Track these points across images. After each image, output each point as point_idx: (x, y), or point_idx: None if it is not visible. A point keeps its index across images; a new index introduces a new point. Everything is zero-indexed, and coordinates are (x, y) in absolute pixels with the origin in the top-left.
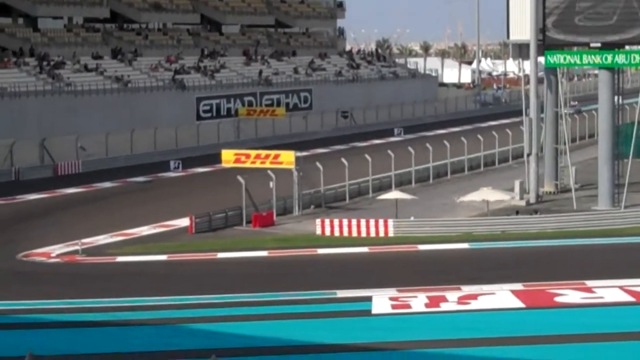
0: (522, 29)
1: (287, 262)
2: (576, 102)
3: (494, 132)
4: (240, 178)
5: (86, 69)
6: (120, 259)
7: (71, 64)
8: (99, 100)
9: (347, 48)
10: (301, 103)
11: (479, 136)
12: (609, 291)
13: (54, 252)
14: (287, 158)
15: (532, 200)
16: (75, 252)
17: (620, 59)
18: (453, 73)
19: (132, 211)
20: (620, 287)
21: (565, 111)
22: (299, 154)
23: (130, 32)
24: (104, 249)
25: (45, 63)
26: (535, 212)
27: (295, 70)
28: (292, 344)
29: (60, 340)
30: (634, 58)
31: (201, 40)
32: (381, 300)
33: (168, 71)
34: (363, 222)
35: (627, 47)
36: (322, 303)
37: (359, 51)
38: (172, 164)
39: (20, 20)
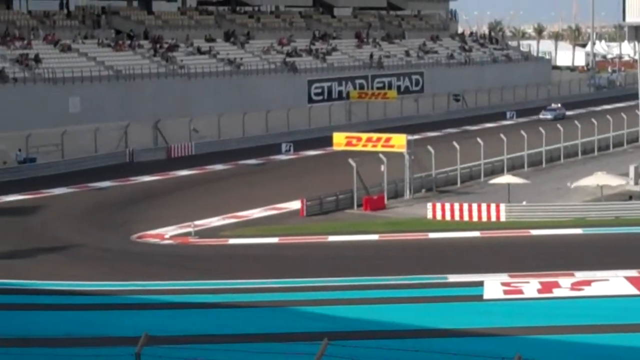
0: (638, 10)
1: (398, 246)
2: None
3: (608, 116)
4: (351, 161)
5: (199, 51)
6: (232, 241)
7: (184, 46)
8: (211, 82)
9: (459, 30)
10: (412, 86)
11: (593, 120)
12: None
13: (168, 233)
14: (399, 141)
15: None
16: (188, 233)
17: None
18: (567, 56)
19: (243, 193)
20: None
21: None
22: (411, 137)
23: (243, 15)
24: (216, 231)
25: (159, 46)
26: None
27: (407, 53)
28: (403, 328)
29: (174, 321)
30: None
31: (313, 22)
32: (493, 285)
33: (280, 54)
34: (475, 206)
35: None
36: (433, 287)
37: (471, 34)
38: (283, 147)
39: (135, 4)
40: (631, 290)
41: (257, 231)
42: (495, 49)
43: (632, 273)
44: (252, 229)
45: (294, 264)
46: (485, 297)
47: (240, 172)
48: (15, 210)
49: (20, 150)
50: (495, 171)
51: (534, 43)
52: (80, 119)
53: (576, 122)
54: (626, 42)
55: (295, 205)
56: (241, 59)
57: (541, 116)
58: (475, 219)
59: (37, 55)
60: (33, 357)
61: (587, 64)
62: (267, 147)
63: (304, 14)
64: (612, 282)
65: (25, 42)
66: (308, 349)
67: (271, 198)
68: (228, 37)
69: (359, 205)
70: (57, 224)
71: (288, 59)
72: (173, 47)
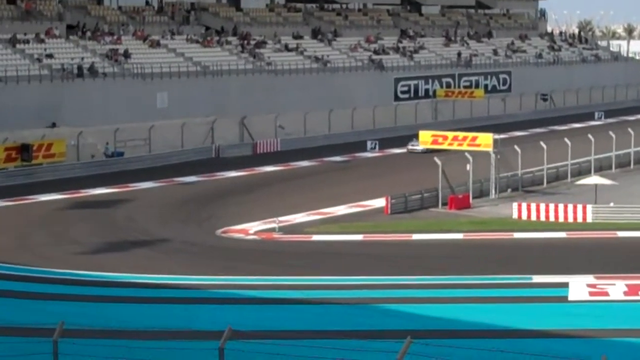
0: None
1: (482, 246)
2: None
3: None
4: (437, 159)
5: (286, 48)
6: (316, 237)
7: (272, 43)
8: (298, 79)
9: (548, 30)
10: (500, 85)
11: None
12: None
13: (252, 229)
14: (485, 140)
15: None
16: (273, 229)
17: None
18: None
19: (328, 190)
20: None
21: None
22: (497, 136)
23: (331, 13)
24: (301, 227)
25: (246, 42)
26: None
27: (495, 52)
28: (487, 328)
29: (258, 316)
30: None
31: (401, 20)
32: (578, 287)
33: (367, 51)
34: (561, 207)
35: None
36: (517, 288)
37: (560, 33)
38: (369, 144)
39: (224, 0)
40: None
41: (341, 228)
42: (584, 48)
43: None
44: (336, 225)
45: (377, 261)
46: (570, 298)
47: (325, 169)
48: (103, 203)
49: (108, 144)
50: (582, 172)
51: (624, 43)
52: (167, 114)
53: None
54: None
55: (380, 203)
56: (328, 56)
57: None
58: (561, 219)
59: (126, 51)
60: (118, 349)
61: None
62: (352, 144)
63: (392, 12)
64: None
65: (115, 37)
66: (391, 346)
67: (356, 195)
68: (315, 34)
69: (443, 204)
70: (143, 218)
71: (375, 57)
72: (261, 44)
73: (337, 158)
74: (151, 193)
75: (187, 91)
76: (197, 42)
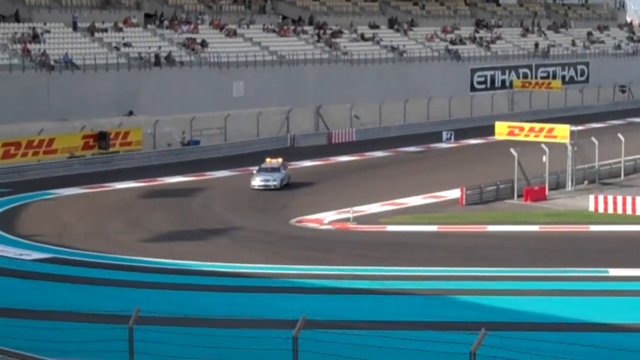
0: None
1: (559, 238)
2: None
3: None
4: (513, 151)
5: (363, 38)
6: (390, 228)
7: (348, 33)
8: (374, 69)
9: (628, 20)
10: (577, 76)
11: None
12: None
13: (327, 218)
14: (562, 132)
15: None
16: (347, 219)
17: None
18: None
19: (403, 181)
20: None
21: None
22: (574, 128)
23: (407, 2)
24: (375, 217)
25: (322, 32)
26: None
27: (573, 43)
28: (562, 321)
29: (332, 306)
30: None
31: (478, 10)
32: None
33: (443, 42)
34: (638, 199)
35: None
36: (593, 281)
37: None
38: (444, 135)
39: None
40: None
41: (416, 219)
42: None
43: None
44: (410, 216)
45: (452, 252)
46: None
47: (400, 160)
48: (179, 191)
49: (184, 132)
50: None
51: None
52: (243, 103)
53: None
54: None
55: (455, 194)
56: (404, 46)
57: None
58: (638, 212)
59: (203, 40)
60: (193, 337)
61: None
62: (427, 135)
63: (469, 2)
64: None
65: (192, 26)
66: (466, 338)
67: (430, 186)
68: (392, 24)
69: (519, 196)
70: (219, 207)
71: (451, 47)
72: (337, 33)
73: (412, 148)
74: (226, 182)
75: (263, 80)
76: (273, 31)
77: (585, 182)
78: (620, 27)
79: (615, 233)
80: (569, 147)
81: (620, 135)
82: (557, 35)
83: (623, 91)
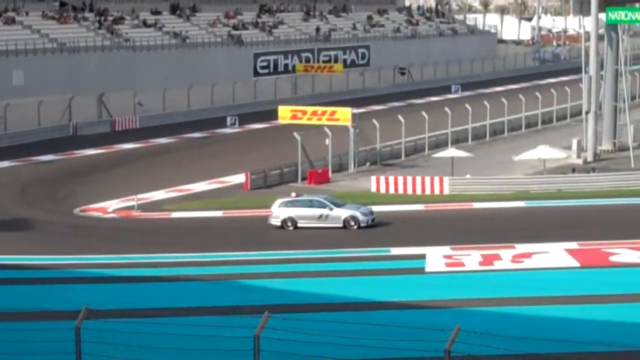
0: None
1: None
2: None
3: (552, 90)
4: (296, 134)
5: (145, 24)
6: (175, 214)
7: (130, 19)
8: (157, 56)
9: (406, 4)
10: (359, 59)
11: (537, 94)
12: None
13: (111, 207)
14: (344, 115)
15: (590, 158)
16: (132, 207)
17: None
18: (512, 29)
19: (188, 167)
20: None
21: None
22: (356, 110)
23: None
24: (160, 204)
25: (104, 18)
26: (593, 170)
27: (354, 27)
28: (346, 301)
29: (115, 295)
30: None
31: None
32: (435, 258)
33: (226, 27)
34: (418, 179)
35: None
36: (376, 260)
37: (418, 7)
38: (228, 120)
39: None
40: (571, 262)
41: (201, 205)
42: (441, 22)
43: (573, 245)
44: (196, 202)
45: (233, 237)
46: (427, 269)
47: (185, 146)
48: None
49: None
50: (440, 144)
51: (480, 17)
52: (23, 92)
53: (520, 95)
54: (571, 15)
55: (240, 178)
56: (187, 32)
57: None
58: (419, 192)
59: None
60: None
61: (533, 38)
62: (212, 120)
63: None
64: (553, 255)
65: None
66: (250, 322)
67: (216, 171)
68: (174, 9)
69: (303, 179)
70: (0, 198)
71: (234, 32)
72: (118, 20)
73: (197, 134)
74: (8, 172)
75: (43, 69)
76: (53, 18)
77: (368, 163)
78: (399, 10)
79: (396, 213)
80: (351, 130)
81: (400, 117)
82: (338, 20)
83: (403, 73)
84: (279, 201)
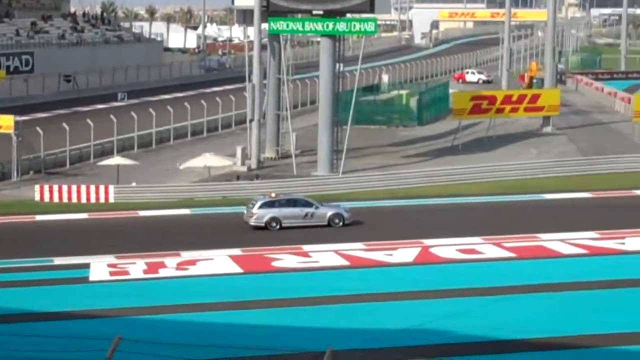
0: None
1: (5, 229)
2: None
3: (217, 98)
4: None
5: None
6: None
7: None
8: None
9: (72, 10)
10: (22, 66)
11: (203, 102)
12: (325, 255)
13: None
14: (6, 122)
15: (254, 165)
16: None
17: (341, 26)
18: (178, 38)
19: None
20: (335, 251)
21: None
22: (19, 118)
23: None
24: None
25: None
26: (257, 177)
27: (17, 32)
28: (9, 312)
29: None
30: (354, 26)
31: None
32: (99, 267)
33: None
34: (83, 188)
35: (348, 15)
36: (38, 270)
37: (84, 14)
38: None
39: None
40: (235, 268)
41: None
42: (107, 29)
43: (237, 252)
44: None
45: None
46: (91, 278)
47: None
48: None
49: None
50: (106, 152)
51: (146, 25)
52: None
53: (186, 103)
54: (236, 25)
55: None
56: None
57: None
58: (84, 200)
59: None
60: None
61: (199, 46)
62: None
63: None
64: (217, 261)
65: None
66: None
67: None
68: None
69: None
70: None
71: None
72: None
73: None
74: None
75: None
76: None
77: (31, 172)
78: (64, 17)
79: (60, 222)
80: (14, 138)
81: (65, 125)
82: (1, 25)
83: (68, 81)
84: (259, 202)
